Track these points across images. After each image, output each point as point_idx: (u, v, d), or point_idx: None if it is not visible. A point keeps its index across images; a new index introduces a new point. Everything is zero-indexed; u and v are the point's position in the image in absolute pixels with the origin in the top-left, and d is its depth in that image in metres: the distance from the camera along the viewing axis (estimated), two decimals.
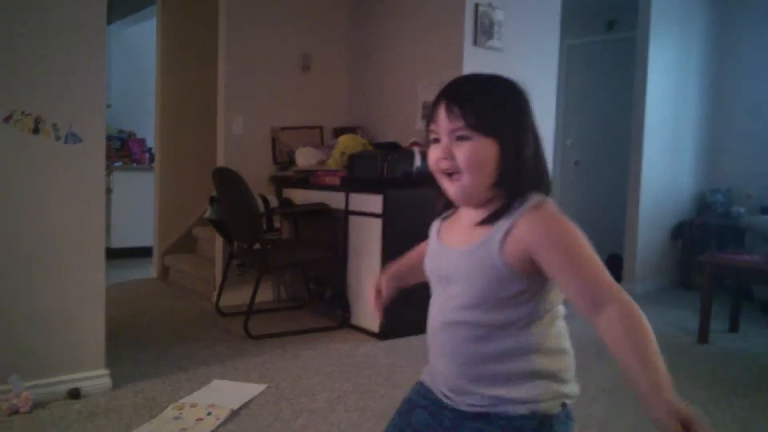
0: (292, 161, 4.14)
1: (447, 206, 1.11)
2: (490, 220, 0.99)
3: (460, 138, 0.97)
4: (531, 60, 3.98)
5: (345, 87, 4.57)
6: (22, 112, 2.20)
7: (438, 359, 1.06)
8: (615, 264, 4.99)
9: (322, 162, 3.97)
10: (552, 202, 0.99)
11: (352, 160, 3.63)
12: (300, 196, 3.91)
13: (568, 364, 1.02)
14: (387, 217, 3.28)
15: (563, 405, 0.99)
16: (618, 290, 0.91)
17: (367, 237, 3.40)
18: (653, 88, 4.76)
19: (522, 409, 0.96)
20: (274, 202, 3.80)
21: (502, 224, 0.97)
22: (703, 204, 5.23)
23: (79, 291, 2.35)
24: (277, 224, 3.86)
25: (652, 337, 0.89)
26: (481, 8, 3.70)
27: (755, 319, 4.03)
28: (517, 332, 0.97)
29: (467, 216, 1.05)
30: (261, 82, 4.12)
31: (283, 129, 4.24)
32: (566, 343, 1.02)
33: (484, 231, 0.99)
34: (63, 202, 2.30)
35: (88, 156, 2.35)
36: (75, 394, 2.30)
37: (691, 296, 4.54)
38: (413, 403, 1.11)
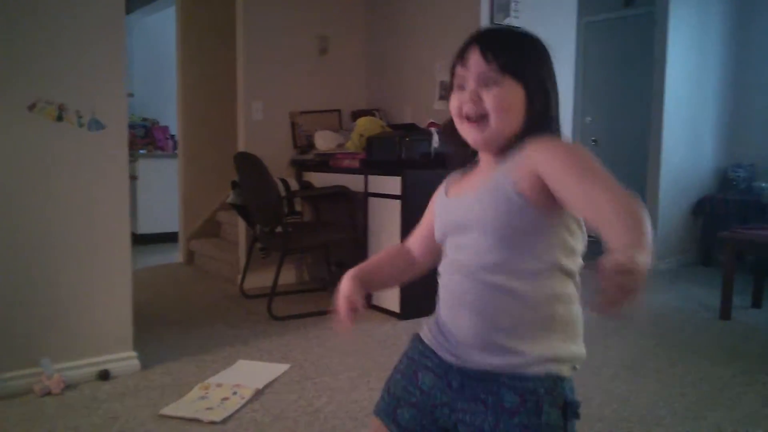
0: (311, 145, 4.18)
1: (462, 163, 1.12)
2: (503, 157, 1.00)
3: (489, 83, 0.99)
4: (548, 37, 3.83)
5: (362, 69, 4.58)
6: (46, 101, 2.26)
7: (456, 313, 1.04)
8: None
9: (341, 145, 4.00)
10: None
11: (371, 143, 3.65)
12: (320, 179, 3.95)
13: (580, 315, 1.01)
14: (406, 198, 3.31)
15: (574, 368, 1.00)
16: (635, 199, 0.82)
17: (386, 218, 3.43)
18: (672, 65, 4.69)
19: (539, 369, 0.96)
20: (294, 186, 3.85)
21: (513, 157, 0.98)
22: (724, 180, 5.16)
23: (106, 275, 2.42)
24: (298, 207, 3.92)
25: (645, 216, 0.80)
26: None
27: None
28: (539, 277, 0.96)
29: (485, 163, 1.06)
30: (279, 67, 4.15)
31: (302, 113, 4.27)
32: (577, 304, 1.01)
33: (496, 170, 1.00)
34: (88, 187, 2.37)
35: (112, 142, 2.41)
36: (104, 375, 2.38)
37: (713, 273, 4.50)
38: (417, 363, 1.10)
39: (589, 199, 0.85)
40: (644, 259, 0.74)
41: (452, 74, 1.05)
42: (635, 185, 5.19)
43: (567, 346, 0.99)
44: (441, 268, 1.10)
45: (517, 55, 1.00)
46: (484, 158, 1.06)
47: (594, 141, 5.92)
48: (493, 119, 0.99)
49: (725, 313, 3.42)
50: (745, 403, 2.29)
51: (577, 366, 1.01)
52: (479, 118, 0.99)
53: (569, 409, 0.98)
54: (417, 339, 1.15)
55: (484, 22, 3.65)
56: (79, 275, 2.36)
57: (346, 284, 1.14)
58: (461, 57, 1.02)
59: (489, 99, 0.98)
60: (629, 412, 2.19)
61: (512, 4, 3.74)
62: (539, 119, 1.00)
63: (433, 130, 3.49)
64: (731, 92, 5.21)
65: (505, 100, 0.98)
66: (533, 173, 0.92)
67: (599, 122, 5.93)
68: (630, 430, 2.05)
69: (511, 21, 3.73)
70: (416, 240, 1.23)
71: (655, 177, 4.78)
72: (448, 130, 1.08)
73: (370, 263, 1.23)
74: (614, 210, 0.82)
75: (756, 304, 3.69)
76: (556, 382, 0.97)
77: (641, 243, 0.76)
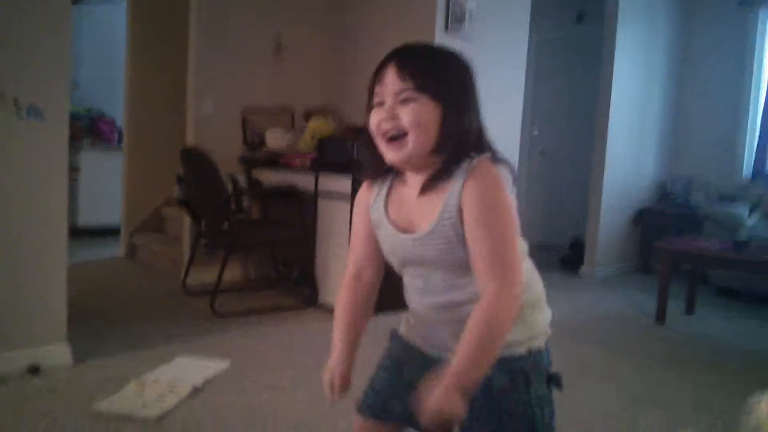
0: (262, 142, 4.12)
1: (376, 174, 1.12)
2: (433, 183, 1.02)
3: (406, 100, 0.99)
4: (501, 50, 4.01)
5: (317, 70, 4.55)
6: None
7: (432, 327, 1.10)
8: (578, 249, 5.11)
9: (292, 144, 3.97)
10: (493, 163, 1.01)
11: (322, 144, 3.63)
12: (269, 176, 3.90)
13: (541, 289, 1.11)
14: (355, 198, 3.30)
15: (547, 334, 1.10)
16: (513, 273, 0.96)
17: (335, 218, 3.42)
18: (619, 80, 4.86)
19: (521, 350, 1.04)
20: (242, 183, 3.79)
21: (454, 188, 0.99)
22: (663, 192, 5.37)
23: (41, 266, 2.32)
24: (246, 205, 3.85)
25: (499, 336, 0.95)
26: None
27: (710, 302, 4.16)
28: None
29: (414, 186, 1.06)
30: (233, 63, 4.08)
31: (254, 110, 4.21)
32: (535, 273, 1.11)
33: (435, 200, 1.01)
34: (25, 176, 2.27)
35: (52, 131, 2.32)
36: (34, 369, 2.28)
37: (651, 280, 4.66)
38: (401, 360, 1.15)
39: (476, 271, 0.97)
40: (456, 400, 0.89)
41: (371, 92, 1.05)
42: (580, 194, 5.36)
43: (540, 317, 1.09)
44: (408, 302, 1.14)
45: (433, 73, 1.01)
46: (412, 179, 1.07)
47: (542, 152, 6.06)
48: (410, 136, 1.00)
49: (661, 318, 3.55)
50: (677, 405, 2.38)
51: (549, 330, 1.10)
52: (397, 136, 1.01)
53: (553, 381, 1.07)
54: (397, 336, 1.19)
55: (440, 31, 3.69)
56: (11, 263, 2.26)
57: (335, 374, 1.15)
58: (379, 75, 1.03)
59: (404, 116, 0.99)
60: (564, 413, 2.23)
61: (467, 16, 3.79)
62: (454, 136, 1.01)
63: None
64: (673, 108, 5.43)
65: (420, 116, 0.99)
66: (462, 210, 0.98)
67: (547, 134, 6.08)
68: None
69: (466, 32, 3.77)
70: (364, 259, 1.18)
71: (598, 187, 4.93)
72: (367, 143, 1.09)
73: (344, 342, 1.17)
74: (480, 320, 0.95)
75: (689, 310, 3.84)
76: (537, 357, 1.06)
77: (466, 381, 0.92)
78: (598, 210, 4.92)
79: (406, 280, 1.12)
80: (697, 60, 5.36)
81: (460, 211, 0.98)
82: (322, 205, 3.51)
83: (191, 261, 3.76)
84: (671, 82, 5.38)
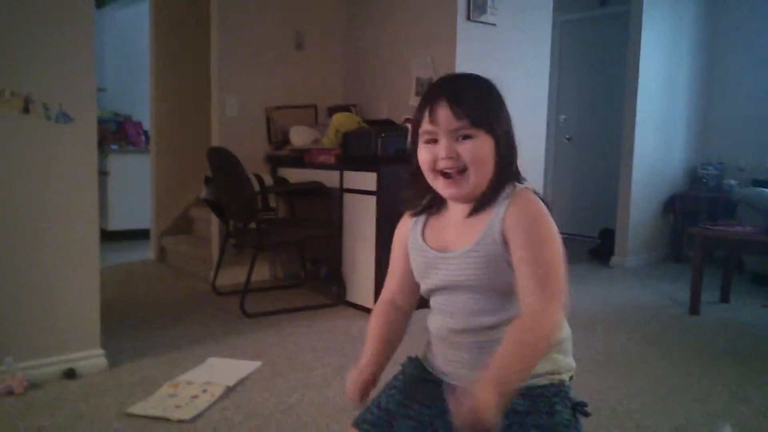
0: (286, 140, 4.14)
1: (418, 207, 1.13)
2: (480, 208, 1.02)
3: (465, 137, 1.00)
4: (524, 35, 3.96)
5: (339, 65, 4.55)
6: (12, 92, 2.19)
7: (454, 355, 1.08)
8: (607, 238, 5.02)
9: (317, 141, 3.97)
10: (532, 191, 1.04)
11: (346, 138, 3.63)
12: (295, 175, 3.91)
13: (569, 334, 1.10)
14: (381, 194, 3.30)
15: (571, 377, 1.08)
16: (560, 293, 0.95)
17: (361, 214, 3.42)
18: (646, 63, 4.75)
19: (543, 381, 1.03)
20: (269, 182, 3.82)
21: (498, 210, 1.00)
22: (694, 177, 5.25)
23: (74, 271, 2.37)
24: (272, 204, 3.88)
25: (539, 344, 0.93)
26: None
27: (745, 290, 4.06)
28: None
29: (456, 211, 1.07)
30: (255, 62, 4.10)
31: (278, 108, 4.23)
32: (565, 320, 1.08)
33: (480, 223, 1.02)
34: (55, 181, 2.30)
35: (80, 135, 2.35)
36: (70, 374, 2.32)
37: (683, 269, 4.57)
38: (417, 378, 1.13)
39: (520, 288, 0.96)
40: (491, 405, 0.84)
41: (417, 126, 1.05)
42: (608, 182, 5.27)
43: (564, 359, 1.07)
44: (431, 325, 1.12)
45: (484, 107, 1.01)
46: (455, 207, 1.08)
47: (568, 138, 5.98)
48: (471, 173, 1.00)
49: (694, 308, 3.47)
50: (713, 396, 2.33)
51: (573, 376, 1.08)
52: (457, 172, 1.01)
53: (578, 408, 1.04)
54: (413, 359, 1.18)
55: (461, 18, 3.65)
56: (45, 271, 2.30)
57: (357, 380, 1.09)
58: (429, 112, 1.02)
59: (466, 153, 1.00)
60: (600, 406, 2.20)
61: (489, 1, 3.74)
62: (508, 167, 1.03)
63: (409, 126, 3.48)
64: (702, 92, 5.30)
65: (480, 153, 1.00)
66: (507, 235, 0.99)
67: (574, 120, 5.98)
68: (600, 424, 2.07)
69: (488, 18, 3.73)
70: (398, 289, 1.18)
71: (627, 174, 4.84)
72: (415, 179, 1.09)
73: (374, 353, 1.13)
74: (519, 330, 0.93)
75: (724, 299, 3.76)
76: (559, 387, 1.04)
77: (503, 386, 0.87)
78: (628, 197, 4.83)
79: (432, 304, 1.12)
80: (725, 43, 5.22)
81: (502, 235, 0.99)
82: (348, 201, 3.51)
83: (220, 261, 3.80)
84: (699, 65, 5.25)
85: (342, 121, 3.81)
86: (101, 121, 5.55)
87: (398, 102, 4.07)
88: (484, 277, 1.01)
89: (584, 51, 5.84)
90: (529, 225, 0.98)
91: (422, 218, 1.13)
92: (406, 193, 1.14)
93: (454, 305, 1.06)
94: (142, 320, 3.19)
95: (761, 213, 4.15)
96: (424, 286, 1.11)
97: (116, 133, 5.99)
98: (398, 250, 1.17)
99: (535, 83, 4.02)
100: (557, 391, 1.03)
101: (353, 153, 3.57)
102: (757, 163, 5.01)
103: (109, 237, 5.43)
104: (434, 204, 1.12)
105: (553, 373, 1.04)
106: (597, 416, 2.13)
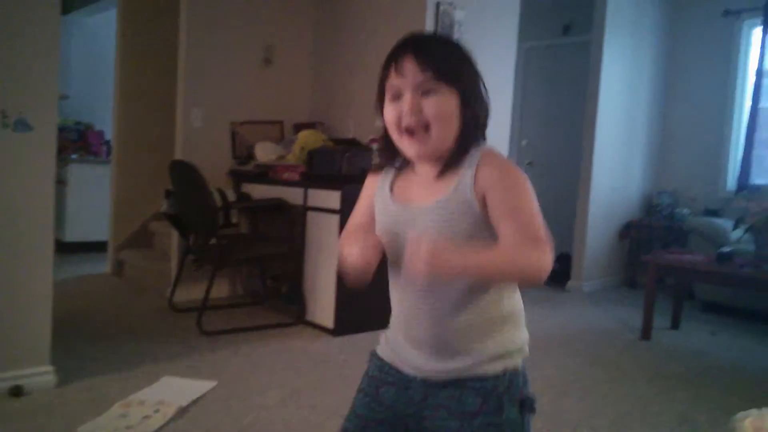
0: (251, 156, 4.11)
1: (385, 166, 1.12)
2: (448, 168, 1.01)
3: (427, 91, 0.99)
4: (489, 60, 4.02)
5: (307, 82, 4.56)
6: None
7: (410, 326, 1.07)
8: (564, 263, 5.12)
9: (282, 157, 3.97)
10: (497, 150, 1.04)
11: (312, 156, 3.64)
12: (258, 191, 3.89)
13: (521, 307, 1.08)
14: (345, 212, 3.30)
15: (523, 354, 1.06)
16: (545, 243, 0.95)
17: (324, 233, 3.42)
18: (606, 91, 4.90)
19: (497, 368, 1.02)
20: (231, 197, 3.78)
21: (467, 171, 0.99)
22: (650, 205, 5.41)
23: (25, 285, 2.30)
24: (234, 219, 3.84)
25: (518, 267, 0.94)
26: (441, 7, 3.75)
27: (696, 317, 4.19)
28: (489, 283, 1.02)
29: (424, 172, 1.05)
30: (222, 75, 4.08)
31: (243, 123, 4.21)
32: (518, 291, 1.08)
33: (448, 182, 1.01)
34: (10, 190, 2.24)
35: (39, 144, 2.30)
36: (17, 391, 2.24)
37: (636, 295, 4.69)
38: (378, 380, 1.12)
39: (503, 237, 0.96)
40: (451, 262, 0.88)
41: (383, 83, 1.04)
42: (567, 207, 5.38)
43: (516, 335, 1.06)
44: (391, 285, 1.11)
45: (450, 61, 1.01)
46: (422, 168, 1.06)
47: (529, 163, 6.09)
48: (434, 129, 0.99)
49: (646, 333, 3.57)
50: (663, 421, 2.39)
51: (526, 349, 1.07)
52: (420, 130, 0.99)
53: (526, 405, 1.04)
54: (375, 356, 1.16)
55: None
56: None
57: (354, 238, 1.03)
58: (395, 65, 1.01)
59: (429, 108, 0.98)
60: (552, 429, 2.24)
61: (456, 26, 3.82)
62: (474, 126, 1.02)
63: (374, 146, 3.51)
64: (660, 120, 5.49)
65: (444, 109, 0.99)
66: (482, 195, 0.97)
67: (535, 145, 6.11)
68: None
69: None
70: (362, 226, 1.14)
71: (585, 200, 4.96)
72: (385, 142, 1.08)
73: (361, 225, 1.11)
74: (512, 242, 0.94)
75: (675, 325, 3.87)
76: (512, 378, 1.03)
77: (472, 259, 0.90)
78: (585, 223, 4.95)
79: (393, 275, 1.09)
80: (683, 71, 5.43)
81: (474, 194, 0.98)
82: (312, 219, 3.51)
83: (178, 277, 3.73)
84: (658, 92, 5.44)
85: (307, 139, 3.82)
86: (62, 130, 5.43)
87: (364, 121, 4.09)
88: (450, 235, 0.98)
89: (547, 78, 5.99)
90: (503, 178, 0.97)
91: (389, 177, 1.10)
92: (377, 161, 1.13)
93: None
94: (96, 336, 3.11)
95: (711, 242, 4.30)
96: (385, 240, 1.06)
97: (77, 141, 5.86)
98: (365, 205, 1.15)
99: (498, 108, 4.05)
100: (509, 385, 1.02)
101: (318, 171, 3.57)
102: (709, 193, 5.19)
103: (65, 248, 5.28)
104: (403, 165, 1.10)
105: (502, 357, 1.02)
106: None
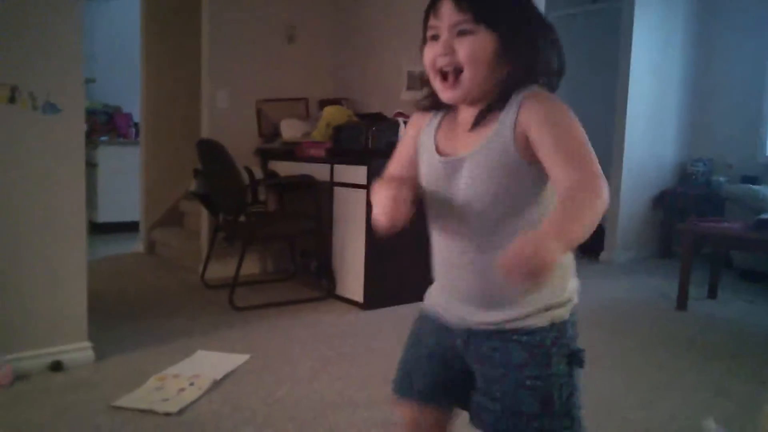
0: (277, 133, 4.12)
1: (429, 108, 1.08)
2: (484, 115, 0.97)
3: (462, 32, 0.95)
4: None
5: (330, 58, 4.53)
6: None
7: (453, 275, 1.05)
8: (598, 234, 5.04)
9: (307, 134, 3.96)
10: (549, 93, 0.98)
11: (337, 132, 3.62)
12: (285, 168, 3.90)
13: (572, 256, 1.05)
14: (371, 187, 3.28)
15: (573, 304, 1.05)
16: (595, 167, 0.89)
17: (352, 208, 3.41)
18: (637, 59, 4.76)
19: (544, 321, 0.99)
20: (259, 175, 3.80)
21: (507, 113, 0.95)
22: (684, 174, 5.28)
23: (60, 263, 2.35)
24: (262, 197, 3.86)
25: (588, 211, 0.84)
26: None
27: (733, 286, 4.09)
28: (534, 229, 0.94)
29: (466, 117, 1.02)
30: (245, 55, 4.08)
31: (268, 101, 4.21)
32: None
33: (484, 130, 0.97)
34: (42, 172, 2.28)
35: (68, 126, 2.32)
36: (57, 366, 2.31)
37: (671, 264, 4.60)
38: (420, 332, 1.14)
39: (555, 177, 0.90)
40: (552, 248, 0.77)
41: (425, 25, 1.01)
42: None
43: (564, 284, 1.03)
44: (433, 238, 1.09)
45: (489, 1, 0.95)
46: (465, 113, 1.02)
47: None
48: (467, 72, 0.96)
49: (682, 303, 3.50)
50: (698, 391, 2.35)
51: (575, 298, 1.06)
52: (453, 73, 0.97)
53: (575, 359, 1.04)
54: (420, 313, 1.17)
55: None
56: (31, 263, 2.29)
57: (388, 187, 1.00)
58: (434, 6, 0.98)
59: (462, 50, 0.95)
60: (587, 399, 2.21)
61: None
62: (525, 71, 0.97)
63: (399, 119, 3.47)
64: (693, 88, 5.32)
65: (479, 51, 0.95)
66: (524, 136, 0.93)
67: None
68: (587, 418, 2.07)
69: None
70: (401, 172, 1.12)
71: (617, 170, 4.85)
72: (426, 85, 1.05)
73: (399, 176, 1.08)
74: (567, 195, 0.86)
75: (712, 295, 3.78)
76: (560, 330, 1.01)
77: (562, 235, 0.80)
78: (618, 192, 4.85)
79: (435, 226, 1.07)
80: (717, 38, 5.24)
81: (516, 135, 0.93)
82: (339, 194, 3.51)
83: (209, 255, 3.79)
84: (690, 60, 5.27)
85: (333, 115, 3.80)
86: (90, 113, 5.51)
87: (389, 96, 4.06)
88: (489, 184, 0.95)
89: (576, 46, 5.82)
90: (548, 114, 0.93)
91: (436, 120, 1.08)
92: (421, 101, 1.09)
93: (459, 222, 1.01)
94: (130, 313, 3.18)
95: (749, 210, 4.18)
96: (429, 196, 1.04)
97: (106, 124, 5.94)
98: (405, 147, 1.12)
99: None
100: (556, 338, 1.00)
101: (344, 146, 3.56)
102: (746, 160, 5.03)
103: (98, 229, 5.40)
104: (448, 110, 1.07)
105: (550, 309, 0.99)
106: (584, 409, 2.14)
